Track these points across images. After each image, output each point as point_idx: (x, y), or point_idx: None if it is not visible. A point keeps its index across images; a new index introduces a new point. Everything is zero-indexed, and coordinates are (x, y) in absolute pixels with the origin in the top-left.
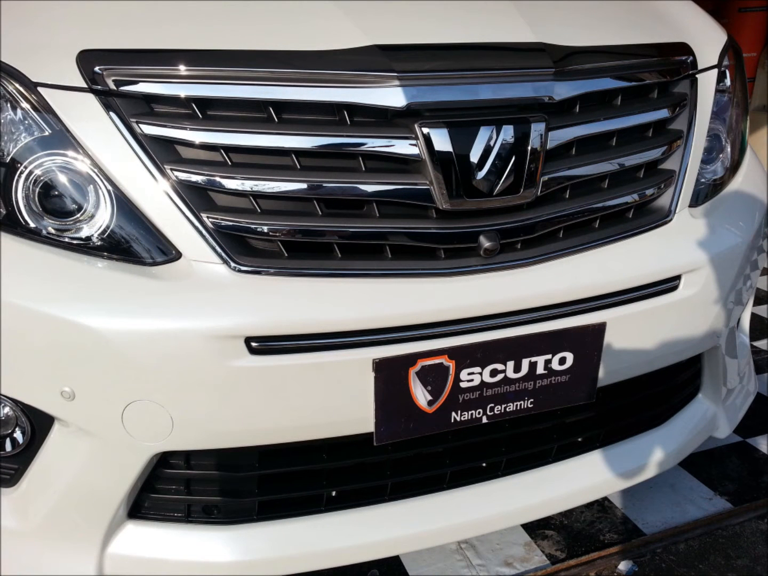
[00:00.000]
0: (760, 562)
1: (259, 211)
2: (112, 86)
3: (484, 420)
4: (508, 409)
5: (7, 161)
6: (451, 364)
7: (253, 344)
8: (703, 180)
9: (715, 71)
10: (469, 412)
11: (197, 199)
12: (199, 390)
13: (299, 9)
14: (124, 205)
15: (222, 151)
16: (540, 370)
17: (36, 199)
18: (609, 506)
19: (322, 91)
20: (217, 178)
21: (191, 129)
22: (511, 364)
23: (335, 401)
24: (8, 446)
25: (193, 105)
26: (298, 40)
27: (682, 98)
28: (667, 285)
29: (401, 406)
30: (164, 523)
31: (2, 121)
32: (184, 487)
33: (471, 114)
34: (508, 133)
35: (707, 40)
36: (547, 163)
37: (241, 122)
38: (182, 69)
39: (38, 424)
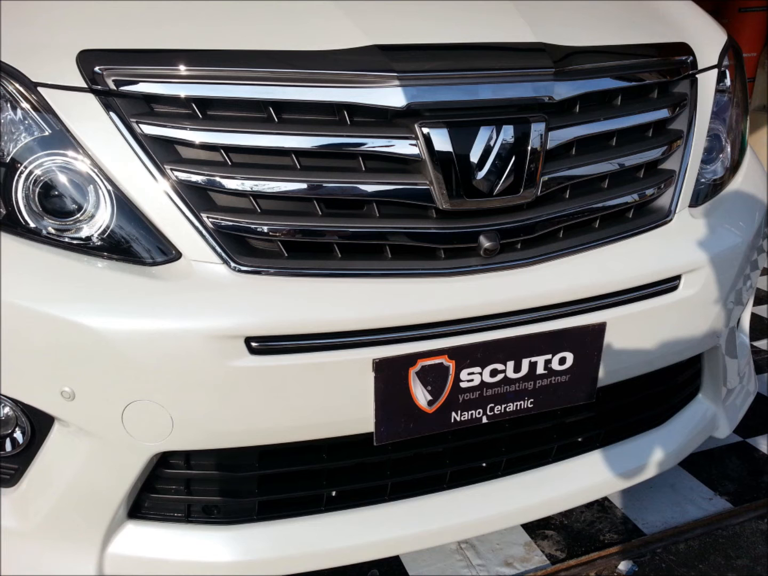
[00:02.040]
0: (760, 562)
1: (259, 211)
2: (112, 86)
3: (484, 420)
4: (508, 409)
5: (7, 161)
6: (451, 364)
7: (253, 344)
8: (703, 180)
9: (715, 71)
10: (469, 412)
11: (197, 199)
12: (199, 390)
13: (299, 9)
14: (124, 205)
15: (222, 151)
16: (540, 370)
17: (36, 199)
18: (609, 506)
19: (322, 91)
20: (217, 178)
21: (191, 129)
22: (511, 364)
23: (335, 401)
24: (8, 446)
25: (193, 105)
26: (298, 40)
27: (682, 98)
28: (667, 285)
29: (401, 406)
30: (164, 523)
31: (2, 121)
32: (184, 487)
33: (471, 114)
34: (508, 133)
35: (707, 40)
36: (547, 163)
37: (241, 122)
38: (182, 69)
39: (38, 424)
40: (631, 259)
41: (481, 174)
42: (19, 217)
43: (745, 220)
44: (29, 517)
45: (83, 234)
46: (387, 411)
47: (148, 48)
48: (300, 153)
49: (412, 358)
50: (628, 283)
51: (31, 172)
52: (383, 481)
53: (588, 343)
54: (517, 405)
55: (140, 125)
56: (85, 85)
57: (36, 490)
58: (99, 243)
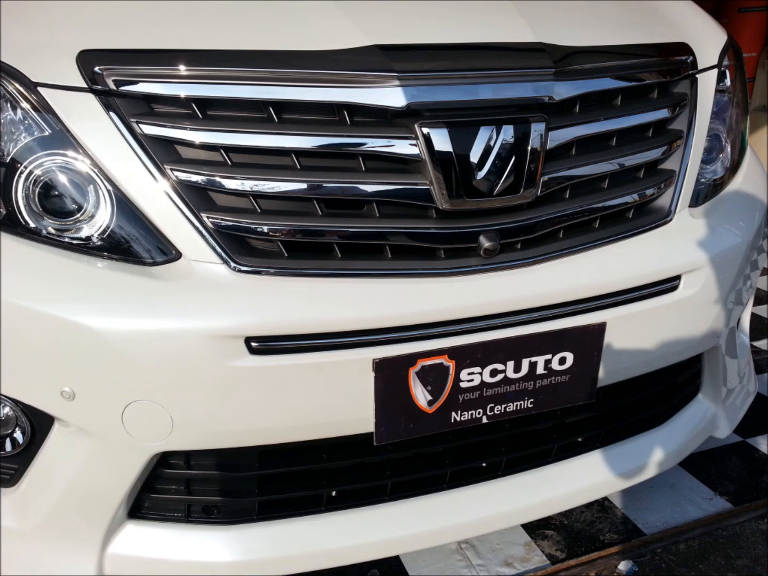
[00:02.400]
0: (760, 562)
1: (259, 211)
2: (112, 86)
3: (484, 420)
4: (508, 409)
5: (7, 161)
6: (451, 364)
7: (253, 344)
8: (703, 180)
9: (715, 71)
10: (469, 412)
11: (197, 199)
12: (199, 390)
13: (299, 9)
14: (124, 205)
15: (222, 151)
16: (540, 370)
17: (36, 199)
18: (609, 506)
19: (322, 91)
20: (217, 178)
21: (191, 129)
22: (511, 364)
23: (335, 401)
24: (8, 446)
25: (193, 105)
26: (298, 40)
27: (682, 98)
28: (667, 285)
29: (401, 406)
30: (164, 523)
31: (2, 121)
32: (184, 487)
33: (471, 114)
34: (508, 133)
35: (707, 40)
36: (547, 163)
37: (241, 122)
38: (182, 69)
39: (38, 424)
40: (631, 259)
41: (481, 174)
42: (19, 217)
43: (745, 220)
44: (29, 517)
45: (83, 234)
46: (387, 411)
47: (148, 48)
48: (300, 153)
49: (412, 358)
50: (628, 283)
51: (31, 172)
52: (383, 481)
53: (588, 343)
54: (517, 405)
55: (140, 125)
56: (85, 85)
57: (36, 490)
58: (99, 243)
